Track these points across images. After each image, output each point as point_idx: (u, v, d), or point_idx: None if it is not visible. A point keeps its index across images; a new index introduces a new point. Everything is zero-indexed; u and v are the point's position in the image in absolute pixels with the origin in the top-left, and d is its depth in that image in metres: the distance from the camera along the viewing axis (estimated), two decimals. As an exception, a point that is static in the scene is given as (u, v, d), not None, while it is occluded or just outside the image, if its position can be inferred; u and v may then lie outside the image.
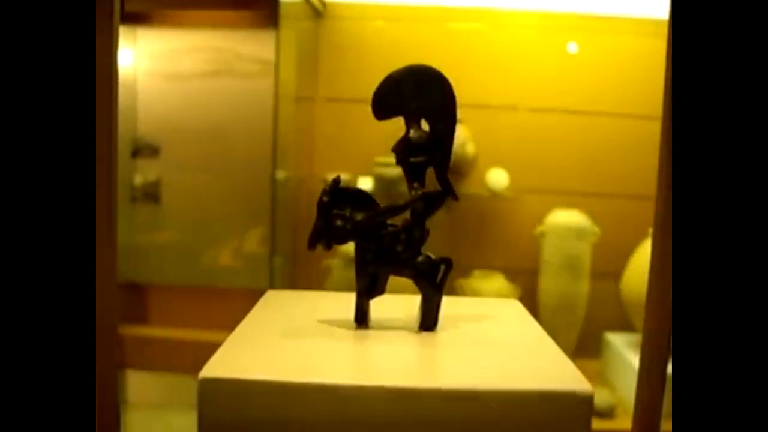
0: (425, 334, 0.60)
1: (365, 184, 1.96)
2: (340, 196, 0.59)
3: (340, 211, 0.59)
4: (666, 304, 0.68)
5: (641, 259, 1.76)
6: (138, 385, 2.15)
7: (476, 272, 1.94)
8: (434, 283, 0.60)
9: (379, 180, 1.92)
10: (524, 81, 2.06)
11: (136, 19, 2.19)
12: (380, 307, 0.62)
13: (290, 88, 2.06)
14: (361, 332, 0.60)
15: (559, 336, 1.96)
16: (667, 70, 0.64)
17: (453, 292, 1.92)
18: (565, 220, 1.92)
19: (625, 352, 1.81)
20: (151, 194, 2.24)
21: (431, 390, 0.47)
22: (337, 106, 2.08)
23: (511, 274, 1.97)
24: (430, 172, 0.61)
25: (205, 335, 2.19)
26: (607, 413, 1.67)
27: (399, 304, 0.65)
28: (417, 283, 0.60)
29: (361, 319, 0.61)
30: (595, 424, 1.77)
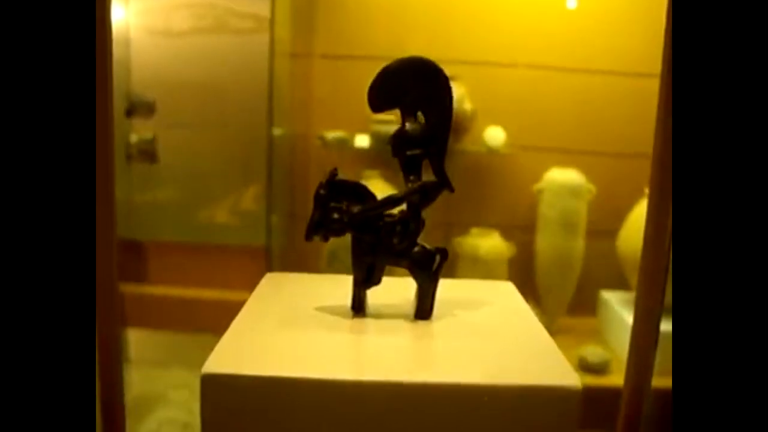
0: (420, 323, 0.61)
1: (362, 141, 1.95)
2: (336, 188, 0.60)
3: (336, 204, 0.59)
4: (660, 263, 0.69)
5: (638, 217, 1.76)
6: (138, 342, 2.18)
7: (473, 230, 1.95)
8: (430, 273, 0.61)
9: (376, 137, 1.91)
10: (523, 38, 2.04)
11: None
12: (377, 290, 0.63)
13: (286, 44, 2.03)
14: (358, 321, 0.61)
15: (554, 293, 1.98)
16: (667, 27, 0.63)
17: (451, 250, 1.92)
18: (561, 178, 1.92)
19: (621, 310, 1.83)
20: (148, 152, 2.23)
21: (425, 384, 0.49)
22: (334, 62, 2.06)
23: (507, 232, 1.98)
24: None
25: (203, 293, 2.20)
26: (602, 370, 1.69)
27: (395, 287, 0.66)
28: (413, 273, 0.61)
29: (358, 307, 0.62)
30: (590, 380, 1.80)
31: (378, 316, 0.62)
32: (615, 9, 2.01)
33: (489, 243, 1.92)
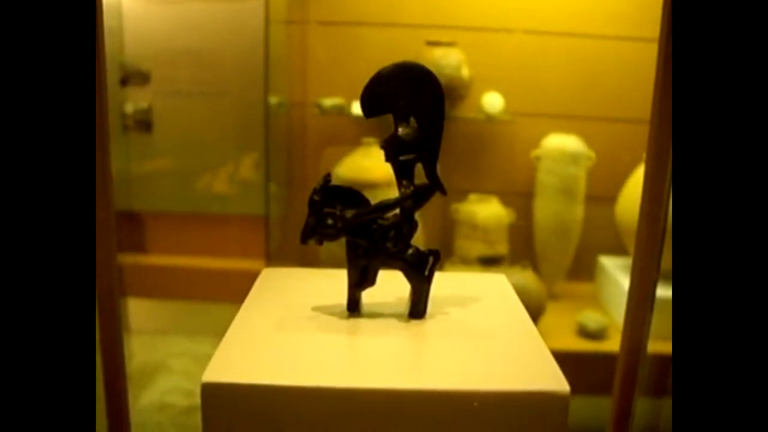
0: (414, 323, 0.63)
1: (359, 108, 1.94)
2: (330, 194, 0.61)
3: (330, 209, 0.60)
4: (656, 229, 0.69)
5: (636, 183, 1.76)
6: (138, 312, 2.19)
7: (472, 196, 1.95)
8: (423, 275, 0.62)
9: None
10: (521, 3, 2.01)
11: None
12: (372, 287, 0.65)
13: (281, 11, 2.00)
14: (353, 322, 0.63)
15: (553, 259, 1.98)
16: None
17: (449, 216, 1.93)
18: (560, 145, 1.92)
19: (619, 275, 1.84)
20: (144, 122, 2.22)
21: (418, 391, 0.50)
22: (330, 29, 2.03)
23: (506, 198, 1.98)
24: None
25: (202, 262, 2.21)
26: (599, 335, 1.71)
27: (389, 282, 0.66)
28: (406, 274, 0.63)
29: (353, 307, 0.64)
30: (588, 345, 1.81)
31: (373, 315, 0.64)
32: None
33: (488, 209, 1.92)
